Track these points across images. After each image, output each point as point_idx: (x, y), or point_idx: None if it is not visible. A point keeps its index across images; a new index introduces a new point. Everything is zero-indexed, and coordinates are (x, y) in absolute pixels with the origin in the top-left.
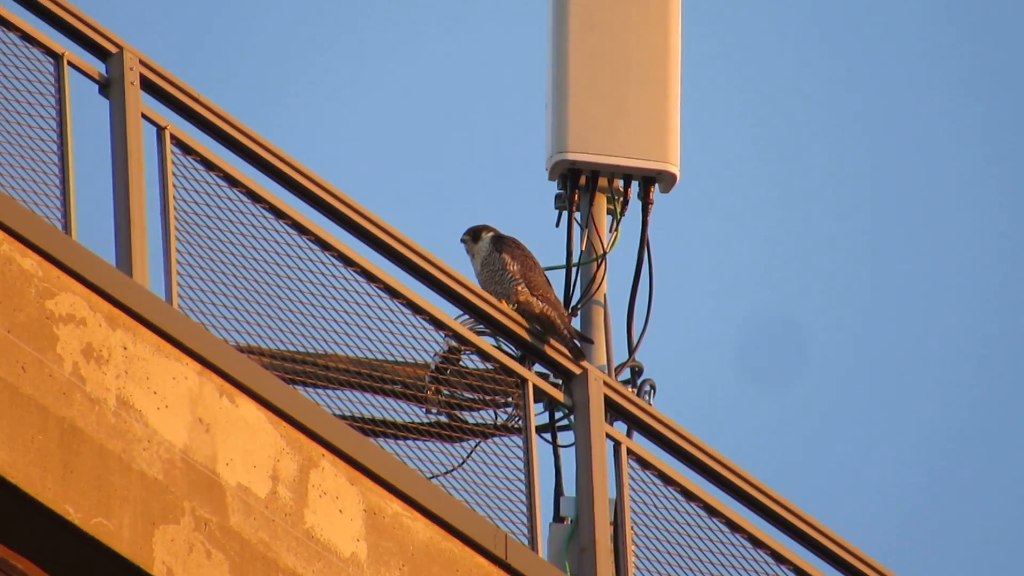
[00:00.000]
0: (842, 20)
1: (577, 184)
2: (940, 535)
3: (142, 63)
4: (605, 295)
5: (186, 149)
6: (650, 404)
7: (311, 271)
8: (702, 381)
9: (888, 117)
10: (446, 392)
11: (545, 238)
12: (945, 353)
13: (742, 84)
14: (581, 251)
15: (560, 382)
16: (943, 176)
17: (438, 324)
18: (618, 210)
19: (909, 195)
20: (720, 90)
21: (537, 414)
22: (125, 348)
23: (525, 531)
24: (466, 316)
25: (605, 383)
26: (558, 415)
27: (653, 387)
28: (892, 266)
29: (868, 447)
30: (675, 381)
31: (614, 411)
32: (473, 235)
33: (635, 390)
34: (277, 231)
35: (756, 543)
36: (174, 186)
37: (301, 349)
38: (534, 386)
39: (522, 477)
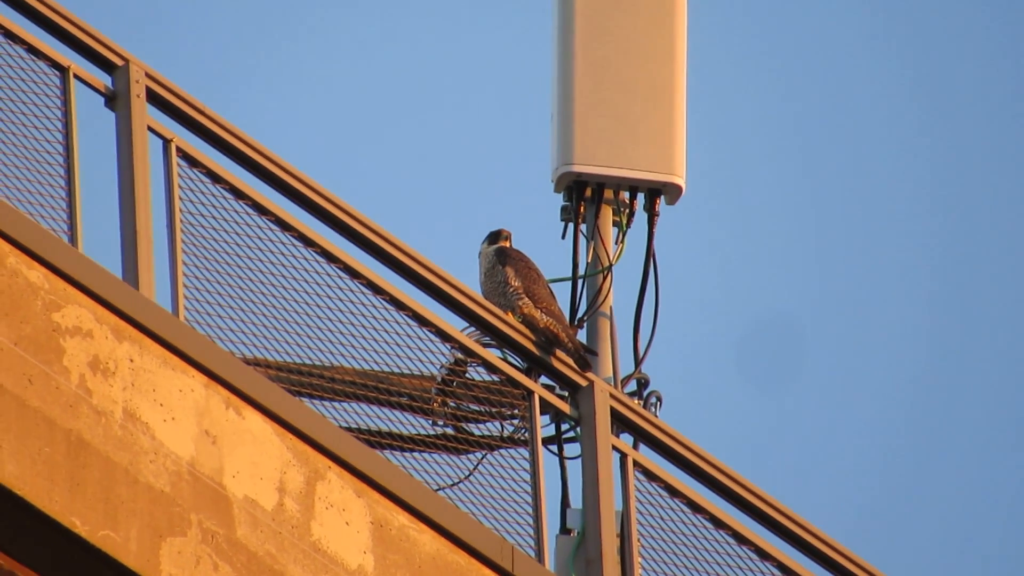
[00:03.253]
0: (847, 29)
1: (583, 196)
2: (942, 536)
3: (148, 76)
4: (611, 307)
5: (192, 161)
6: (656, 416)
7: (317, 283)
8: (713, 391)
9: (891, 123)
10: (452, 404)
11: (551, 250)
12: (948, 352)
13: (748, 95)
14: (587, 263)
15: (566, 394)
16: (934, 173)
17: (444, 336)
18: (624, 222)
19: (897, 193)
20: (726, 101)
21: (543, 426)
22: (132, 360)
23: (532, 543)
24: (472, 328)
25: (611, 395)
26: (564, 427)
27: (659, 399)
28: (905, 272)
29: (869, 450)
30: (684, 391)
31: (620, 423)
32: (490, 239)
33: (641, 402)
34: (283, 243)
35: (762, 555)
36: (180, 198)
37: (307, 361)
38: (540, 398)
39: (528, 489)
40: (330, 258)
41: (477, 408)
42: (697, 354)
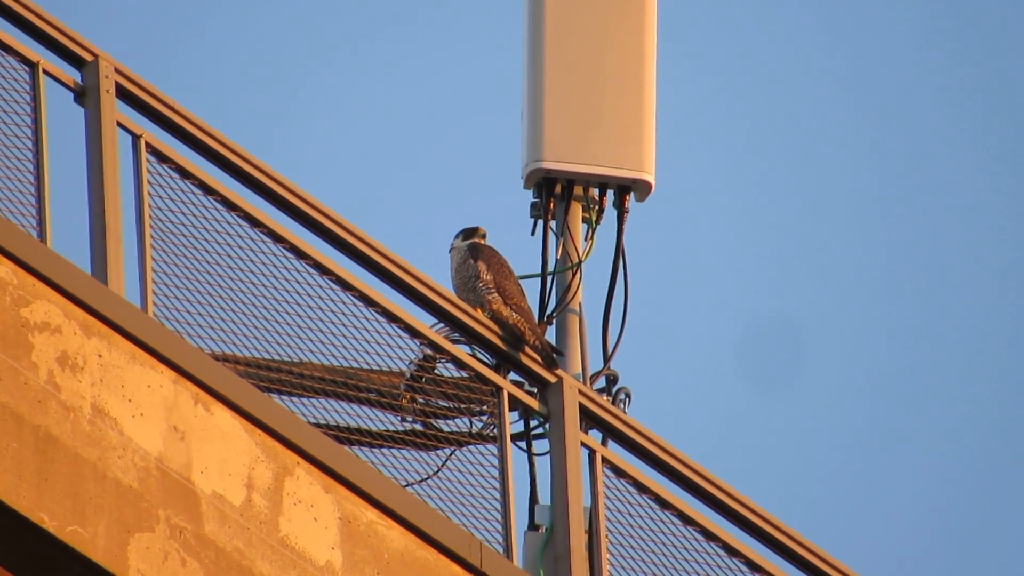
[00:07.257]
0: (818, 26)
1: (552, 192)
2: (944, 536)
3: (117, 71)
4: (580, 304)
5: (161, 157)
6: (625, 412)
7: (286, 279)
8: (683, 386)
9: (868, 115)
10: (421, 400)
11: (520, 246)
12: (948, 353)
13: (718, 91)
14: (556, 260)
15: (535, 390)
16: (932, 173)
17: (413, 332)
18: (593, 219)
19: (895, 193)
20: (696, 98)
21: (512, 422)
22: (100, 356)
23: (500, 539)
24: (441, 324)
25: (580, 391)
26: (533, 423)
27: (628, 395)
28: (875, 263)
29: (869, 451)
30: (654, 387)
31: (589, 419)
32: (464, 235)
33: (610, 398)
34: (252, 239)
35: (731, 551)
36: (149, 194)
37: (276, 357)
38: (509, 394)
39: (497, 485)
40: (299, 254)
41: (446, 404)
42: (667, 350)
